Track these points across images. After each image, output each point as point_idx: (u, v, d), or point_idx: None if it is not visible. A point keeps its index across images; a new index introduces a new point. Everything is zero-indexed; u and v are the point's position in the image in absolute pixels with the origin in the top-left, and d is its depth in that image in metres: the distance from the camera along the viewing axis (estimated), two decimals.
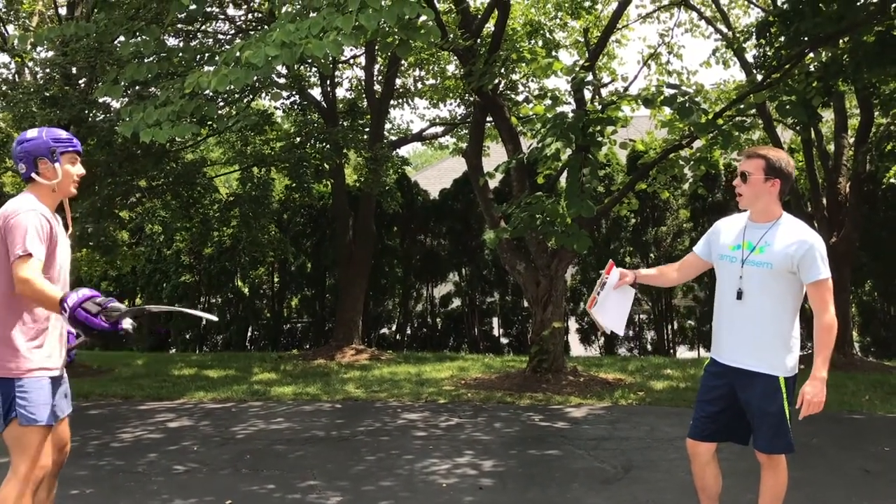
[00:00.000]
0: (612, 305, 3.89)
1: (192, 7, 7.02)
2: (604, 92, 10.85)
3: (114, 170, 11.27)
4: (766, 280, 3.43)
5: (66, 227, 3.57)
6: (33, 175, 3.30)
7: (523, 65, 10.90)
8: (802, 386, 3.38)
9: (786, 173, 3.49)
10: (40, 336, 3.24)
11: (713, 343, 3.70)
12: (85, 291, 3.10)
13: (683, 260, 3.93)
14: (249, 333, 16.50)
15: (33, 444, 3.17)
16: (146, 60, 7.44)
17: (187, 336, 16.40)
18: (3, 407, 3.14)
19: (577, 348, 14.86)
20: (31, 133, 3.37)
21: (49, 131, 3.38)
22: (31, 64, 11.98)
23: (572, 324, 15.03)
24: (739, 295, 3.48)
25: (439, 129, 16.55)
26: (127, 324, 3.08)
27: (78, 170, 3.42)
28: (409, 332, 15.99)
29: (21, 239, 3.10)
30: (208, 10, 12.00)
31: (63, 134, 3.41)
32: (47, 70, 11.12)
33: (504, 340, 15.56)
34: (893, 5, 8.12)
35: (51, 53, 11.49)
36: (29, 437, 3.16)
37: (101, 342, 3.35)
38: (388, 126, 15.68)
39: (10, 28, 12.76)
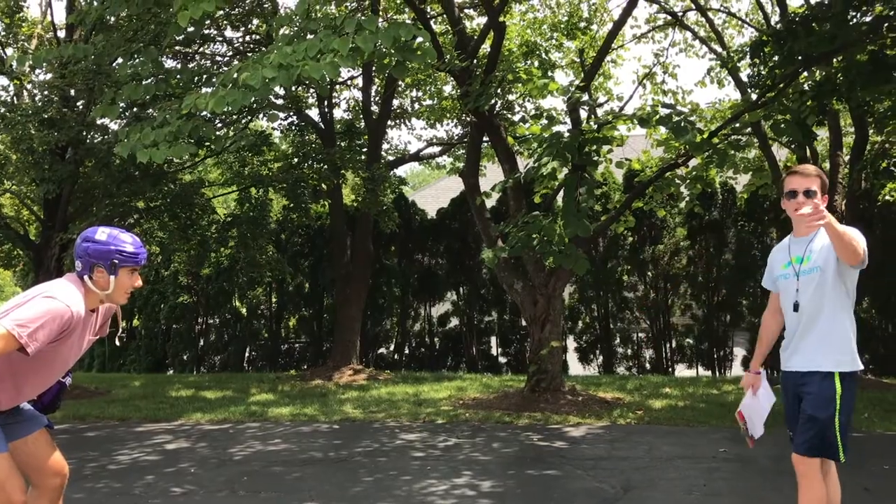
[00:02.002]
0: (755, 415, 4.01)
1: (190, 29, 7.07)
2: (599, 111, 10.90)
3: (112, 191, 11.29)
4: (821, 284, 3.55)
5: (116, 324, 3.51)
6: (85, 278, 3.19)
7: (519, 85, 10.97)
8: None
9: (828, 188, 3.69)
10: None
11: (783, 351, 3.79)
12: None
13: (771, 303, 3.96)
14: (247, 354, 16.45)
15: None
16: (144, 82, 7.47)
17: (185, 357, 16.35)
18: None
19: (575, 367, 14.83)
20: (100, 235, 3.22)
21: (117, 240, 3.23)
22: (29, 86, 12.04)
23: (570, 343, 15.01)
24: (796, 307, 3.61)
25: (436, 148, 16.61)
26: None
27: (134, 282, 3.28)
28: (406, 351, 15.94)
29: (29, 320, 2.93)
30: (206, 32, 12.08)
31: (130, 248, 3.24)
32: (45, 92, 11.17)
33: (502, 360, 15.51)
34: (885, 25, 8.19)
35: (49, 76, 11.55)
36: None
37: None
38: (385, 146, 15.75)
39: (9, 51, 12.83)
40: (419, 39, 5.83)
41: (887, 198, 12.44)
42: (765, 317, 4.00)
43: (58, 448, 3.44)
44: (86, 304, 3.20)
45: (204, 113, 6.32)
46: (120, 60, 8.99)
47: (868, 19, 8.56)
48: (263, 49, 7.85)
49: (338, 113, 15.67)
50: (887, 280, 13.25)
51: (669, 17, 14.18)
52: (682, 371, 14.62)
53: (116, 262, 3.19)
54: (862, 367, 3.59)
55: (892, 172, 11.76)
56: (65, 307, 3.03)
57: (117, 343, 3.58)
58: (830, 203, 11.31)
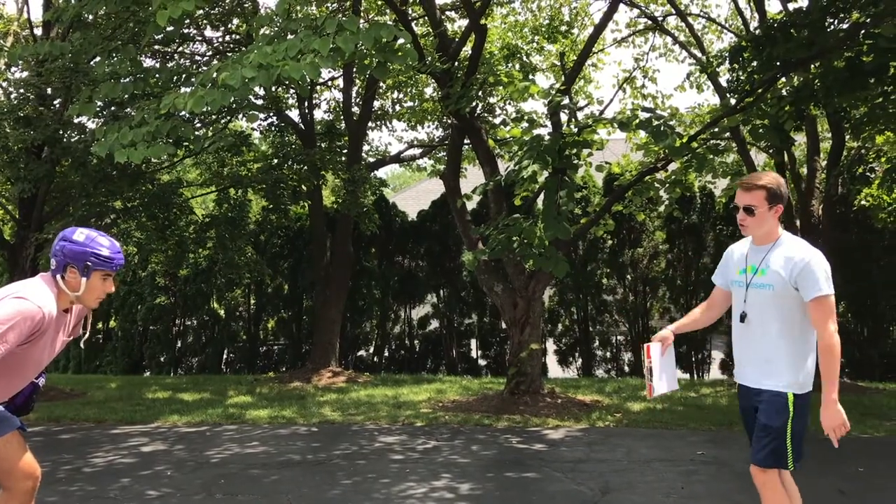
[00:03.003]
0: (663, 373, 3.90)
1: (169, 28, 7.02)
2: (580, 115, 10.95)
3: (88, 191, 11.17)
4: (770, 301, 3.47)
5: (85, 329, 3.48)
6: (58, 277, 3.18)
7: (500, 88, 11.00)
8: (821, 416, 3.41)
9: (784, 196, 3.53)
10: None
11: (735, 367, 3.79)
12: None
13: (711, 297, 3.90)
14: (225, 356, 16.33)
15: None
16: (122, 81, 7.41)
17: (162, 359, 16.21)
18: None
19: (554, 370, 14.87)
20: (78, 236, 3.21)
21: (94, 243, 3.21)
22: (5, 84, 11.89)
23: (550, 345, 15.05)
24: (742, 318, 3.55)
25: (417, 150, 16.59)
26: None
27: (107, 288, 3.26)
28: (386, 354, 15.91)
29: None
30: (185, 31, 11.98)
31: (105, 249, 3.22)
32: (21, 90, 11.03)
33: (482, 362, 15.52)
34: (862, 32, 8.28)
35: (25, 73, 11.42)
36: None
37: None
38: (366, 148, 15.70)
39: None
40: (400, 41, 5.82)
41: (863, 202, 12.59)
42: (698, 309, 3.94)
43: (30, 450, 3.38)
44: (58, 305, 3.18)
45: (183, 113, 6.28)
46: (98, 59, 8.90)
47: (845, 26, 8.66)
48: (243, 49, 7.80)
49: (318, 114, 15.57)
50: (863, 284, 13.41)
51: (650, 22, 14.25)
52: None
53: (90, 264, 3.17)
54: (810, 389, 3.54)
55: (868, 178, 11.92)
56: (36, 308, 3.01)
57: (81, 346, 3.52)
58: (808, 208, 11.45)
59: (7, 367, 3.11)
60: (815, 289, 3.37)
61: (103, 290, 3.25)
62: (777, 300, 3.45)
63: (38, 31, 12.39)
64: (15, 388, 3.28)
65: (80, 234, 3.21)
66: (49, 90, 10.89)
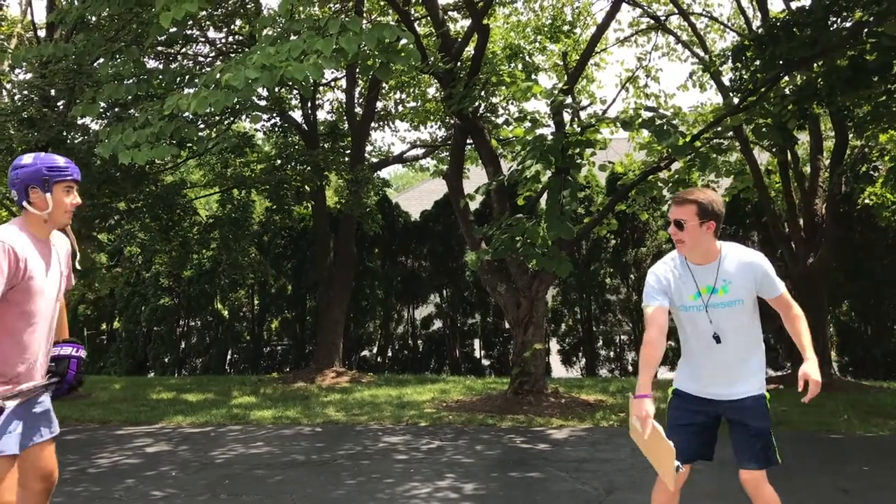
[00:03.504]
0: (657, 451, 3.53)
1: (173, 30, 7.03)
2: (583, 115, 10.94)
3: (92, 192, 11.18)
4: (739, 316, 3.49)
5: (74, 254, 3.48)
6: (24, 204, 3.19)
7: (503, 88, 11.00)
8: (801, 368, 3.36)
9: (718, 213, 3.48)
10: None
11: (690, 379, 3.66)
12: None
13: (656, 322, 3.50)
14: (229, 356, 16.36)
15: None
16: (126, 82, 7.42)
17: (166, 359, 16.23)
18: None
19: (558, 370, 14.86)
20: (26, 159, 3.23)
21: (45, 158, 3.23)
22: (8, 85, 11.92)
23: (553, 345, 15.05)
24: (718, 340, 3.49)
25: (420, 151, 16.60)
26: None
27: (73, 200, 3.26)
28: (390, 354, 15.92)
29: None
30: (188, 32, 12.01)
31: (59, 161, 3.24)
32: (25, 91, 11.05)
33: (485, 362, 15.52)
34: (865, 30, 8.28)
35: (29, 75, 11.44)
36: None
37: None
38: (368, 148, 15.72)
39: None
40: (403, 41, 5.82)
41: (867, 201, 12.57)
42: (652, 336, 3.46)
43: (10, 478, 3.32)
44: (34, 233, 3.19)
45: (186, 114, 6.29)
46: (101, 60, 8.92)
47: (848, 25, 8.65)
48: (246, 50, 7.81)
49: (321, 114, 15.60)
50: (866, 283, 13.40)
51: (652, 21, 14.25)
52: (664, 373, 14.68)
53: (47, 178, 3.18)
54: None
55: (871, 176, 11.90)
56: (0, 243, 3.02)
57: (78, 266, 3.49)
58: (811, 207, 11.44)
59: (24, 312, 3.12)
60: (778, 287, 3.51)
61: (70, 203, 3.25)
62: (745, 312, 3.49)
63: (42, 33, 12.42)
64: (45, 338, 3.25)
65: (27, 157, 3.24)
66: (53, 92, 10.92)
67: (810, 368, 3.33)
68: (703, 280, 3.51)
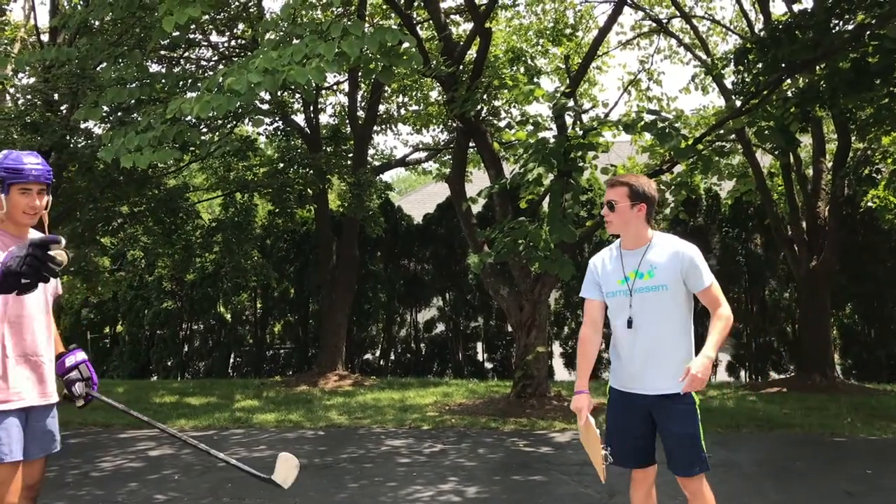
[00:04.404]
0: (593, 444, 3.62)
1: (175, 34, 7.04)
2: (585, 118, 10.95)
3: (95, 196, 11.22)
4: (664, 302, 3.46)
5: (43, 228, 3.43)
6: None
7: (505, 91, 11.00)
8: (691, 363, 3.33)
9: (649, 197, 3.55)
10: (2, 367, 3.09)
11: (618, 375, 3.65)
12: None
13: (589, 315, 3.67)
14: (232, 360, 16.35)
15: None
16: (128, 86, 7.44)
17: (169, 363, 16.24)
18: None
19: (561, 373, 14.84)
20: None
21: (9, 157, 3.18)
22: (12, 90, 11.95)
23: (556, 348, 15.03)
24: (630, 324, 3.48)
25: (422, 154, 16.63)
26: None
27: (30, 202, 3.18)
28: (392, 357, 15.90)
29: None
30: (191, 36, 12.03)
31: (23, 163, 3.17)
32: (28, 96, 11.08)
33: (488, 365, 15.50)
34: (867, 33, 8.27)
35: (32, 79, 11.47)
36: None
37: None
38: (371, 151, 15.73)
39: None
40: (405, 45, 5.83)
41: (870, 204, 12.56)
42: (585, 332, 3.65)
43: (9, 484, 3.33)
44: (5, 230, 3.18)
45: (189, 118, 6.30)
46: (104, 64, 8.93)
47: (850, 27, 8.65)
48: (249, 54, 7.83)
49: (323, 118, 15.67)
50: (870, 286, 13.37)
51: (654, 24, 14.27)
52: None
53: (2, 179, 3.14)
54: None
55: (874, 179, 11.89)
56: None
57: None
58: (814, 210, 11.43)
59: (12, 311, 3.13)
60: (704, 279, 3.47)
61: (27, 205, 3.18)
62: (671, 299, 3.46)
63: (45, 37, 12.45)
64: (41, 329, 3.26)
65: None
66: (56, 96, 10.94)
67: (698, 361, 3.32)
68: (631, 265, 3.53)
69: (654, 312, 3.46)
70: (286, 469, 3.77)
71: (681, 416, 3.45)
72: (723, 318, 3.44)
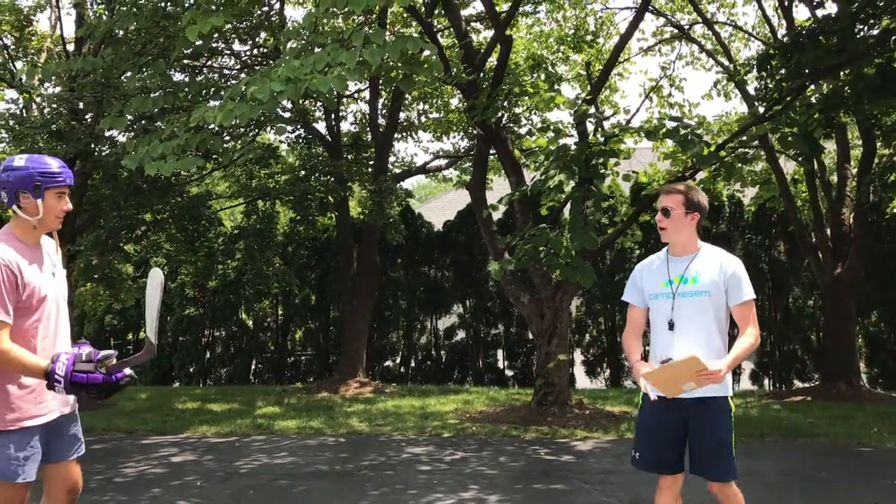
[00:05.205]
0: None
1: (199, 43, 7.12)
2: (606, 125, 10.91)
3: (119, 203, 11.33)
4: (704, 308, 3.58)
5: (57, 244, 3.41)
6: (14, 208, 3.11)
7: (526, 98, 10.99)
8: (714, 363, 3.42)
9: (703, 207, 3.70)
10: (31, 383, 3.06)
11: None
12: (65, 356, 2.98)
13: (631, 320, 3.84)
14: (253, 366, 16.43)
15: (4, 499, 3.00)
16: (152, 95, 7.52)
17: (191, 369, 16.35)
18: None
19: (582, 381, 14.78)
20: (18, 161, 3.12)
21: (37, 161, 3.13)
22: (38, 99, 12.11)
23: (577, 356, 14.97)
24: (671, 326, 3.60)
25: (443, 161, 16.64)
26: (128, 370, 3.04)
27: (63, 205, 3.18)
28: (413, 364, 15.91)
29: None
30: (214, 45, 12.14)
31: (53, 166, 3.15)
32: (54, 105, 11.23)
33: (509, 373, 15.47)
34: (893, 38, 8.19)
35: (58, 89, 11.63)
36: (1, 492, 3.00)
37: (103, 396, 3.13)
38: (392, 159, 15.78)
39: (19, 64, 12.92)
40: (426, 53, 5.85)
41: (895, 210, 12.41)
42: (628, 335, 3.84)
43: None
44: (22, 240, 3.13)
45: (212, 126, 6.35)
46: (128, 73, 9.04)
47: (875, 32, 8.57)
48: (271, 62, 7.88)
49: (345, 126, 15.70)
50: (895, 294, 13.19)
51: (676, 31, 14.21)
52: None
53: (39, 183, 3.09)
54: None
55: None
56: None
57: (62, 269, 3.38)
58: (838, 216, 11.31)
59: (35, 316, 3.10)
60: (744, 294, 3.58)
61: (60, 209, 3.18)
62: (712, 306, 3.58)
63: (71, 48, 12.62)
64: (64, 335, 3.26)
65: (19, 159, 3.14)
66: (81, 105, 11.09)
67: (719, 362, 3.42)
68: (677, 270, 3.67)
69: (694, 317, 3.58)
70: (149, 302, 3.29)
71: (717, 422, 3.54)
72: (752, 336, 3.54)
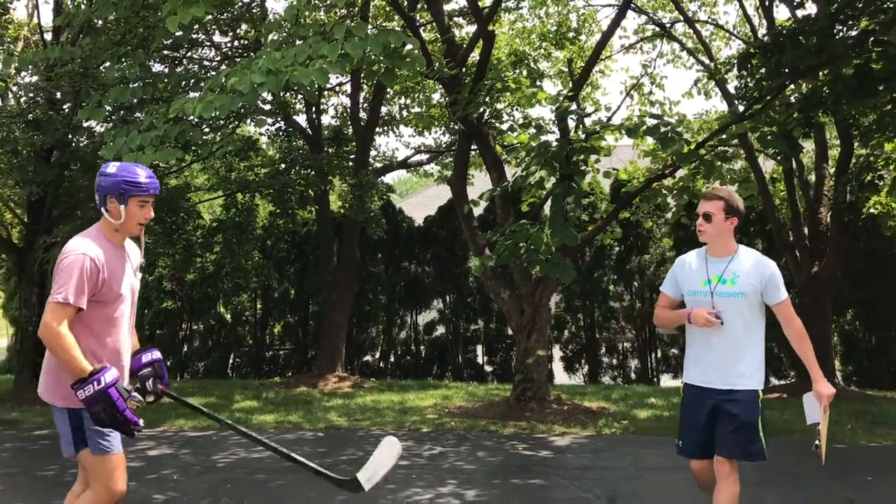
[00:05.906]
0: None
1: (179, 34, 7.04)
2: (587, 121, 10.94)
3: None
4: (741, 308, 3.80)
5: (141, 263, 3.67)
6: (102, 210, 3.38)
7: (508, 94, 11.00)
8: (815, 389, 3.84)
9: (741, 211, 3.93)
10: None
11: (692, 369, 4.00)
12: (116, 371, 3.20)
13: (661, 304, 4.15)
14: (231, 360, 16.35)
15: (105, 472, 3.34)
16: (131, 85, 7.44)
17: (168, 363, 16.21)
18: (75, 436, 3.33)
19: (560, 377, 14.83)
20: (111, 168, 3.40)
21: (126, 170, 3.39)
22: (14, 88, 11.94)
23: (556, 352, 15.02)
24: (720, 319, 3.80)
25: (424, 156, 16.61)
26: (141, 422, 3.26)
27: (145, 213, 3.43)
28: (392, 359, 15.90)
29: (63, 284, 3.18)
30: (194, 36, 12.03)
31: (140, 176, 3.39)
32: (31, 94, 11.08)
33: (488, 368, 15.50)
34: (871, 39, 8.27)
35: (35, 78, 11.47)
36: (100, 465, 3.34)
37: (108, 422, 3.27)
38: (373, 153, 15.72)
39: None
40: (408, 46, 5.83)
41: (872, 210, 12.54)
42: (657, 310, 4.16)
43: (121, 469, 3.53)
44: (110, 240, 3.40)
45: (191, 117, 6.30)
46: (107, 63, 8.93)
47: (854, 33, 8.65)
48: (252, 54, 7.82)
49: (326, 119, 15.68)
50: (870, 293, 13.35)
51: (657, 29, 14.26)
52: (667, 381, 14.65)
53: (124, 191, 3.34)
54: None
55: (876, 185, 11.87)
56: (81, 255, 3.24)
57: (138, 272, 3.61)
58: (816, 215, 11.42)
59: (108, 314, 3.36)
60: (781, 293, 3.84)
61: (143, 216, 3.43)
62: (747, 306, 3.80)
63: (48, 36, 12.46)
64: (129, 335, 3.53)
65: (112, 166, 3.41)
66: (58, 94, 10.94)
67: (824, 387, 3.84)
68: (715, 270, 3.87)
69: (731, 316, 3.79)
70: (380, 460, 3.97)
71: (744, 405, 3.77)
72: (801, 333, 3.86)
